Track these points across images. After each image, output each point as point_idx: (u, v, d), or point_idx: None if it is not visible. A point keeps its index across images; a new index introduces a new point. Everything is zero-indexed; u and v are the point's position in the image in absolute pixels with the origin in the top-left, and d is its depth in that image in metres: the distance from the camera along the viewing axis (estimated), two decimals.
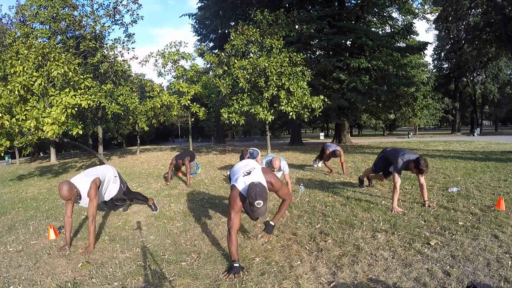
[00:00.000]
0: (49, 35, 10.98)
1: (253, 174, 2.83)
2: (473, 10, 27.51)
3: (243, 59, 9.83)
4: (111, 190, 3.76)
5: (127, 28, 13.00)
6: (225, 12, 19.83)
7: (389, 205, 4.05)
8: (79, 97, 7.27)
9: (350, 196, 4.70)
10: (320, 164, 7.88)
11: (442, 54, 33.77)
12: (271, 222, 2.83)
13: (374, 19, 19.58)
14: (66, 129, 7.36)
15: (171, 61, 11.79)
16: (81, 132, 7.62)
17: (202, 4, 22.92)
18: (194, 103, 12.20)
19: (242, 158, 7.33)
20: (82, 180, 3.31)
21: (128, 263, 2.85)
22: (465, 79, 31.91)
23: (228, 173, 7.55)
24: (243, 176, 2.82)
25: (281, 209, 2.91)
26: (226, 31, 18.05)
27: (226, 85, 10.02)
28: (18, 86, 6.99)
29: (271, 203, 4.52)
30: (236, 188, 2.76)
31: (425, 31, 52.56)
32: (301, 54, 10.11)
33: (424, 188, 3.94)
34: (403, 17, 19.32)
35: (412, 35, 18.76)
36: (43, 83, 7.27)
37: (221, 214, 4.22)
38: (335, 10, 16.87)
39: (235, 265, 2.52)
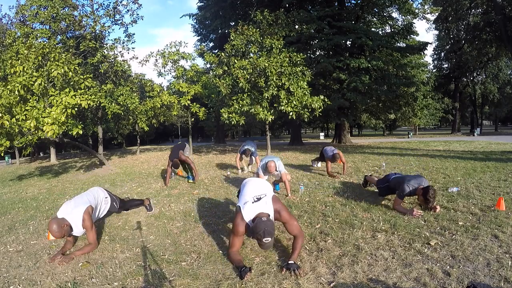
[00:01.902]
0: (49, 35, 10.97)
1: (263, 202, 2.76)
2: (473, 10, 27.52)
3: (243, 59, 9.83)
4: (103, 210, 3.63)
5: (127, 28, 13.00)
6: (225, 12, 19.85)
7: (389, 205, 4.05)
8: (79, 97, 7.26)
9: (350, 196, 4.70)
10: (319, 164, 7.89)
11: (442, 54, 33.80)
12: (290, 262, 2.53)
13: (374, 19, 19.59)
14: (66, 129, 7.36)
15: (171, 61, 11.79)
16: (81, 132, 7.62)
17: (202, 4, 22.95)
18: (194, 103, 12.20)
19: (243, 153, 7.55)
20: (73, 211, 3.12)
21: (128, 263, 2.85)
22: (465, 79, 31.92)
23: (228, 173, 7.56)
24: (252, 202, 2.77)
25: (296, 248, 2.64)
26: (226, 31, 18.06)
27: (226, 85, 10.02)
28: (18, 86, 6.99)
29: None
30: (241, 215, 2.72)
31: (425, 31, 52.77)
32: (301, 54, 10.12)
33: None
34: (403, 17, 19.34)
35: (412, 35, 18.78)
36: (43, 83, 7.27)
37: (221, 214, 4.22)
38: (335, 10, 16.88)
39: (243, 269, 2.48)
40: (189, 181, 6.68)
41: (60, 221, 2.98)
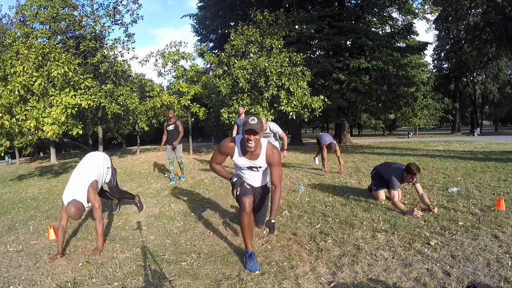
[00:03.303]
0: (49, 35, 10.99)
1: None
2: (473, 10, 27.53)
3: (243, 59, 9.84)
4: (104, 181, 3.70)
5: (127, 28, 13.02)
6: (225, 12, 19.85)
7: (389, 205, 4.05)
8: (79, 97, 7.27)
9: (350, 196, 4.69)
10: (317, 161, 7.87)
11: (442, 54, 33.79)
12: (272, 221, 2.81)
13: (374, 19, 19.59)
14: (66, 129, 7.37)
15: (171, 61, 11.79)
16: (81, 132, 7.63)
17: (202, 4, 22.96)
18: (194, 103, 12.21)
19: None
20: (80, 191, 3.16)
21: (128, 263, 2.85)
22: (465, 79, 31.93)
23: None
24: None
25: (274, 202, 2.83)
26: (226, 31, 18.07)
27: (226, 85, 10.03)
28: (18, 86, 7.00)
29: None
30: (233, 145, 2.82)
31: (425, 31, 52.68)
32: (301, 54, 10.12)
33: (424, 196, 3.82)
34: (403, 17, 19.35)
35: (412, 35, 18.78)
36: (43, 83, 7.27)
37: (221, 214, 4.22)
38: (335, 10, 16.88)
39: (233, 179, 2.81)
40: (181, 180, 6.79)
41: (75, 203, 3.05)
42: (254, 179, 2.96)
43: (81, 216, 3.09)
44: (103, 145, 12.98)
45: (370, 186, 4.90)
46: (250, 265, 2.58)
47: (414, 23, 18.49)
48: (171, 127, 6.68)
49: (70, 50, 11.01)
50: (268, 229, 2.81)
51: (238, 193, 2.73)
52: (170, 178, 6.87)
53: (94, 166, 3.41)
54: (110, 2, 13.90)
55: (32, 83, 7.17)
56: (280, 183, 2.84)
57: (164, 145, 6.95)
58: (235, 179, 2.82)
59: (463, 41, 29.23)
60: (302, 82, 9.61)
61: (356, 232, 3.19)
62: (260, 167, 2.85)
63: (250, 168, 2.87)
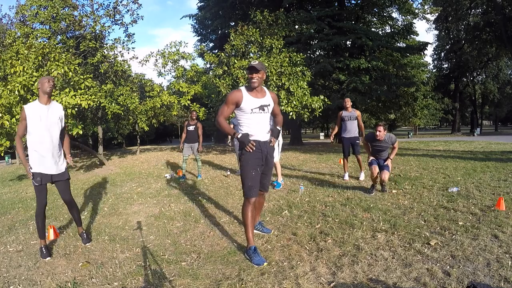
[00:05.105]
0: (49, 35, 10.96)
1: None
2: (473, 10, 27.57)
3: (243, 59, 9.84)
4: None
5: (127, 28, 12.99)
6: (225, 12, 19.86)
7: (389, 205, 4.05)
8: (79, 97, 7.27)
9: (350, 196, 4.70)
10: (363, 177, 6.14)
11: (442, 54, 33.84)
12: (278, 127, 3.01)
13: (374, 19, 19.62)
14: (66, 129, 7.36)
15: (171, 61, 11.80)
16: (81, 132, 7.62)
17: (202, 4, 22.97)
18: (194, 103, 12.21)
19: None
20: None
21: (128, 263, 2.85)
22: (465, 79, 31.97)
23: (229, 173, 7.56)
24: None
25: (279, 122, 3.10)
26: (226, 31, 18.07)
27: (226, 85, 10.03)
28: (18, 86, 6.99)
29: (271, 203, 4.52)
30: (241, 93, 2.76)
31: (425, 31, 52.76)
32: (301, 54, 10.13)
33: (394, 153, 4.87)
34: (403, 17, 19.37)
35: (412, 35, 18.81)
36: None
37: (221, 214, 4.22)
38: (335, 11, 16.88)
39: (239, 135, 2.74)
40: (198, 178, 6.99)
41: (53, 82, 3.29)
42: (263, 124, 2.84)
43: (50, 88, 3.27)
44: (103, 145, 12.96)
45: (371, 188, 4.87)
46: (257, 260, 2.60)
47: (414, 23, 18.53)
48: (191, 128, 7.04)
49: (70, 50, 10.99)
50: (272, 132, 2.95)
51: (253, 173, 2.75)
52: (178, 177, 7.11)
53: None
54: (110, 2, 13.89)
55: (32, 83, 7.17)
56: (280, 113, 3.16)
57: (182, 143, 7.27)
58: (240, 135, 2.71)
59: (463, 41, 29.26)
60: (302, 82, 9.61)
61: (356, 232, 3.19)
62: (269, 104, 2.83)
63: (261, 107, 2.77)
